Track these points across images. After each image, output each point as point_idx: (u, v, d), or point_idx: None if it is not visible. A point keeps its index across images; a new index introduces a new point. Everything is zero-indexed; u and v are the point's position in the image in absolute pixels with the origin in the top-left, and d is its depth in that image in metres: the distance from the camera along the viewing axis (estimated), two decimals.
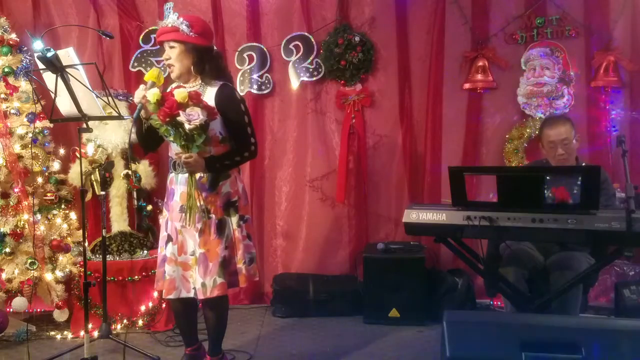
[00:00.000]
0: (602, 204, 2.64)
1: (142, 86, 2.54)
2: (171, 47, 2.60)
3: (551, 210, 2.57)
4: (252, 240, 2.80)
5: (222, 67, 2.75)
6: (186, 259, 2.64)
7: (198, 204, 2.58)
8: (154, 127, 2.58)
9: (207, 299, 2.62)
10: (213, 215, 2.61)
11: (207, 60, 2.64)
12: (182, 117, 2.40)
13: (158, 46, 3.95)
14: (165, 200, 2.77)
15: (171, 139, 2.50)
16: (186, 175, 2.61)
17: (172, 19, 2.58)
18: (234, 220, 2.67)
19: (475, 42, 4.11)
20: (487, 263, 2.97)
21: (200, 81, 2.65)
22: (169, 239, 2.68)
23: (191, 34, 2.57)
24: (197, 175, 2.60)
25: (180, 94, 2.40)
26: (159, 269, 2.73)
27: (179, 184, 2.66)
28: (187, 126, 2.40)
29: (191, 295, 2.64)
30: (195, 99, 2.44)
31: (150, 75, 2.52)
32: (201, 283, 2.59)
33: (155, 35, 3.99)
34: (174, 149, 2.66)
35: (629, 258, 3.54)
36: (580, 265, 2.86)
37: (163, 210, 2.79)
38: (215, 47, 2.79)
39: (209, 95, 2.61)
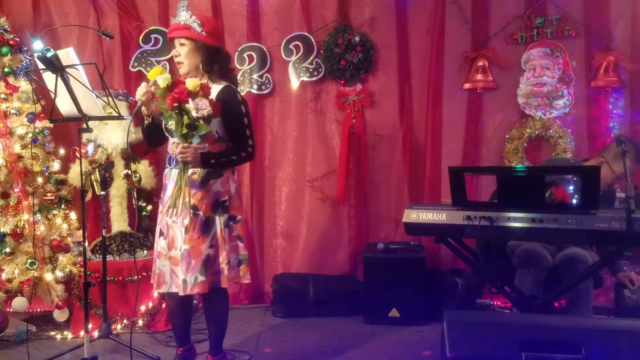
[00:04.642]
0: None
1: (144, 84, 2.57)
2: (181, 44, 2.64)
3: (551, 210, 2.57)
4: (244, 242, 2.76)
5: (229, 69, 2.79)
6: (176, 254, 2.64)
7: (183, 199, 2.57)
8: (157, 123, 2.64)
9: (209, 296, 2.65)
10: (200, 213, 2.60)
11: (216, 60, 2.68)
12: (190, 105, 2.43)
13: (159, 46, 4.05)
14: (161, 195, 2.78)
15: (172, 126, 2.51)
16: (178, 170, 2.61)
17: (184, 16, 2.62)
18: (221, 219, 2.65)
19: (475, 42, 4.11)
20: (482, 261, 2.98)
21: (207, 80, 2.67)
22: (161, 233, 2.69)
23: (202, 32, 2.61)
24: (190, 171, 2.60)
25: (192, 82, 2.45)
26: (154, 264, 2.74)
27: (171, 179, 2.66)
28: (194, 114, 2.44)
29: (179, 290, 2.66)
30: (205, 91, 2.49)
31: (153, 73, 2.54)
32: (182, 280, 2.58)
33: (156, 35, 4.07)
34: (171, 142, 2.68)
35: (629, 258, 3.55)
36: (587, 263, 2.87)
37: (160, 206, 2.79)
38: (223, 49, 2.83)
39: (212, 93, 2.62)
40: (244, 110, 2.68)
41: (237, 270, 2.71)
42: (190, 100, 2.43)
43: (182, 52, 2.63)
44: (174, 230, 2.64)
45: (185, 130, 2.48)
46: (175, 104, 2.42)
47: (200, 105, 2.45)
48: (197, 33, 2.61)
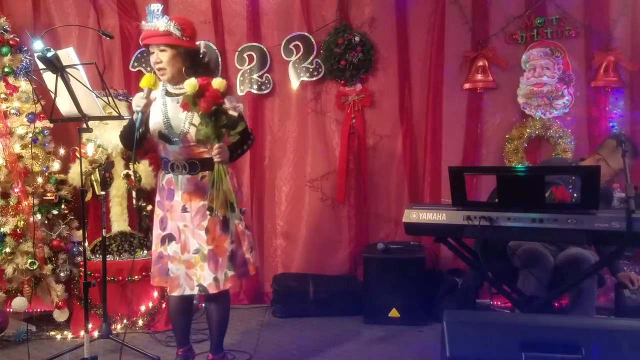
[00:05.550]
0: None
1: (139, 94, 2.56)
2: (162, 51, 2.59)
3: (551, 210, 2.57)
4: (250, 230, 2.88)
5: (208, 64, 2.80)
6: (189, 257, 2.66)
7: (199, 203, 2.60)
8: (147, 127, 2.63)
9: (211, 295, 2.67)
10: (216, 212, 2.61)
11: (199, 63, 2.68)
12: (227, 105, 2.44)
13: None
14: (158, 199, 2.77)
15: (204, 130, 2.45)
16: (187, 176, 2.65)
17: (163, 22, 2.56)
18: (236, 214, 2.70)
19: (475, 42, 4.11)
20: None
21: None
22: (172, 238, 2.69)
23: (183, 37, 2.58)
24: (199, 176, 2.64)
25: (220, 83, 2.42)
26: (155, 265, 2.75)
27: (179, 184, 2.67)
28: (232, 113, 2.44)
29: (195, 292, 2.68)
30: (229, 89, 2.52)
31: (146, 81, 2.53)
32: (213, 278, 2.63)
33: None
34: (170, 149, 2.66)
35: (629, 258, 3.55)
36: (591, 263, 2.88)
37: (156, 209, 2.79)
38: (198, 45, 2.82)
39: None
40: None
41: (253, 256, 2.82)
42: (226, 100, 2.43)
43: (164, 58, 2.59)
44: (185, 234, 2.67)
45: (222, 130, 2.47)
46: (214, 107, 2.39)
47: (234, 103, 2.47)
48: (178, 39, 2.56)
